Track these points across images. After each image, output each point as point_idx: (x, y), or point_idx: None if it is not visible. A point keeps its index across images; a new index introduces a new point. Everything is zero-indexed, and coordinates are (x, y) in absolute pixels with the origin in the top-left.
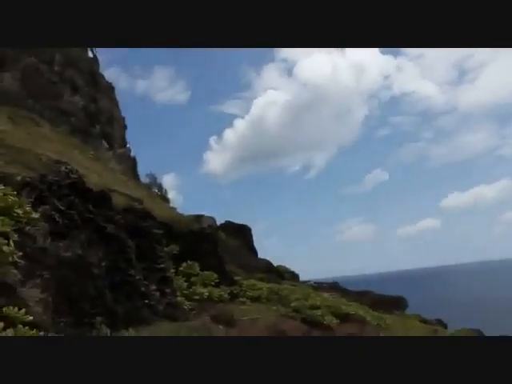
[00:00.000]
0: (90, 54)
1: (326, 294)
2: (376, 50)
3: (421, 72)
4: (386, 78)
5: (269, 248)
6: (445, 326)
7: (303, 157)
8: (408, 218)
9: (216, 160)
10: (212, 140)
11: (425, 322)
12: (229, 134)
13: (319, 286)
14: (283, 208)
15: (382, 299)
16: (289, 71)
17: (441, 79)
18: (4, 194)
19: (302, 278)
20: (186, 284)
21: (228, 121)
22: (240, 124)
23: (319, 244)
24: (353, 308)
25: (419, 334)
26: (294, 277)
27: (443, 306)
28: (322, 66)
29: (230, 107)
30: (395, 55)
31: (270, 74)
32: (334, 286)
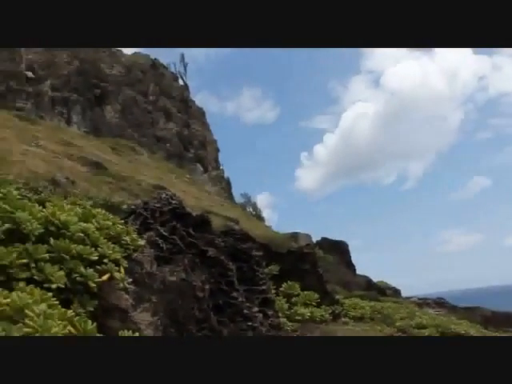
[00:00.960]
0: (181, 82)
1: (431, 311)
2: (469, 50)
3: None
4: (481, 78)
5: (367, 263)
6: None
7: (398, 167)
8: None
9: (308, 176)
10: (303, 156)
11: None
12: (319, 150)
13: (423, 302)
14: (380, 221)
15: (495, 316)
16: (376, 81)
17: None
18: (113, 224)
19: (404, 293)
20: (287, 305)
21: (318, 136)
22: (330, 138)
23: (419, 257)
24: (463, 327)
25: None
26: (395, 293)
27: None
28: (410, 72)
29: (319, 123)
30: (490, 54)
31: (357, 86)
32: (439, 302)
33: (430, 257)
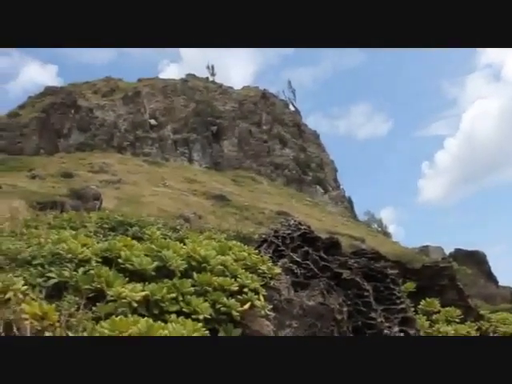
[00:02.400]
0: (292, 108)
1: None
2: None
3: None
4: None
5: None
6: None
7: None
8: None
9: (432, 185)
10: (424, 166)
11: None
12: (441, 157)
13: None
14: None
15: None
16: (496, 76)
17: None
18: (249, 254)
19: None
20: (427, 323)
21: (438, 143)
22: (451, 143)
23: None
24: None
25: None
26: None
27: None
28: None
29: (437, 129)
30: None
31: (475, 83)
32: None
33: None
